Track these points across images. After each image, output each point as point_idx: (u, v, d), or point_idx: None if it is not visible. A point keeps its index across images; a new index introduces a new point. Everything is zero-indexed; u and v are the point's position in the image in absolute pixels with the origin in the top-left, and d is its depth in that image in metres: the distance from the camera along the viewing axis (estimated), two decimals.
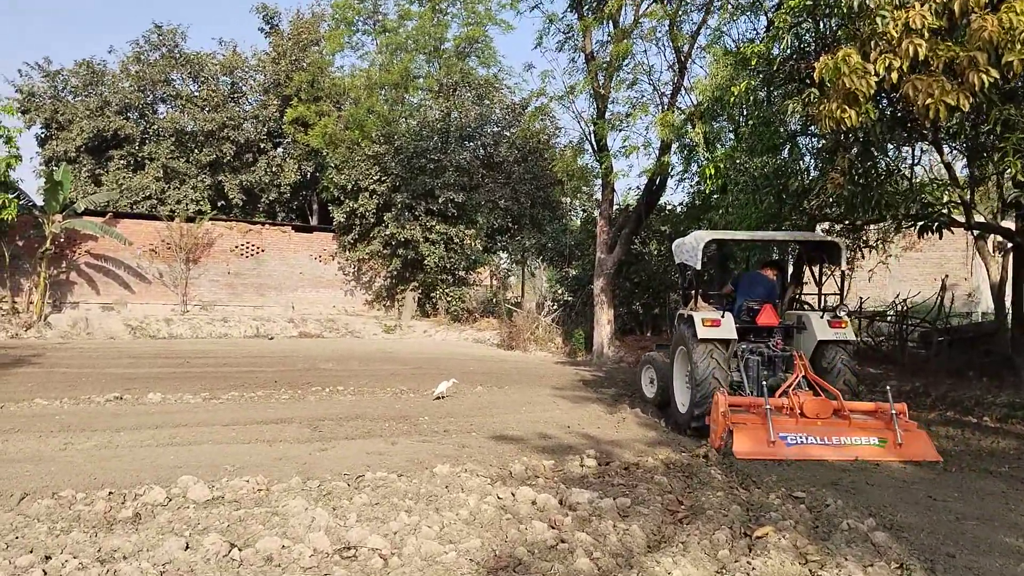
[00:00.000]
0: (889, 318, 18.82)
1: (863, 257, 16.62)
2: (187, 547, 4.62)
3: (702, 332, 9.01)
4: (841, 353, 9.33)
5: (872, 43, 7.91)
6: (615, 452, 8.00)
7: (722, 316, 9.23)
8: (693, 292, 9.95)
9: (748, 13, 15.46)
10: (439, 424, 9.46)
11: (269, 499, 5.78)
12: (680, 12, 16.49)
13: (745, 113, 12.71)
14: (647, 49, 25.16)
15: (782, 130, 11.63)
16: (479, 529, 5.21)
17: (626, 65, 17.36)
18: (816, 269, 10.75)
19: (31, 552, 4.46)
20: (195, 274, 26.56)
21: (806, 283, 12.35)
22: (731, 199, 11.77)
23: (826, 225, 13.66)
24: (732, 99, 10.63)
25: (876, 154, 10.12)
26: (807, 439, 8.03)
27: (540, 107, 23.46)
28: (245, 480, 6.17)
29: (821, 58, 8.06)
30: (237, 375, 13.97)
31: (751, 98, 10.78)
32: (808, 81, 9.73)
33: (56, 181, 22.85)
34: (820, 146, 11.29)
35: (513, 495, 5.98)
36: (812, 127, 11.39)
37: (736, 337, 9.29)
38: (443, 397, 11.57)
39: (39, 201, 23.29)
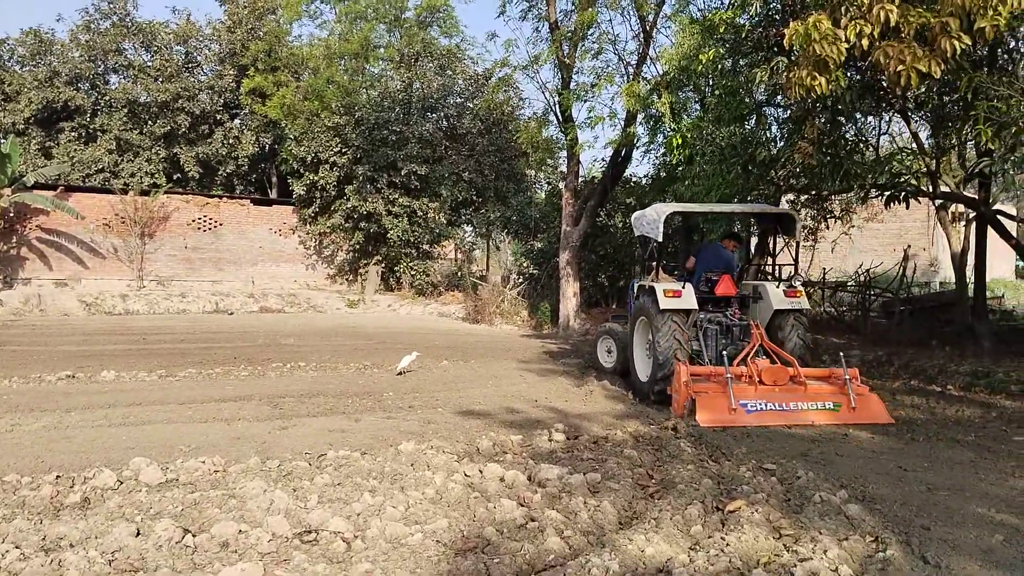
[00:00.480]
0: (851, 288, 18.99)
1: (827, 228, 16.69)
2: (138, 533, 4.38)
3: (664, 303, 9.13)
4: (796, 322, 9.56)
5: (843, 9, 7.78)
6: (583, 426, 7.89)
7: (683, 287, 9.37)
8: (654, 264, 10.04)
9: None
10: (404, 400, 9.27)
11: (226, 481, 5.55)
12: None
13: (711, 83, 12.57)
14: (612, 18, 24.74)
15: (748, 100, 11.51)
16: (446, 508, 5.05)
17: (591, 34, 17.13)
18: (771, 240, 10.92)
19: None
20: (151, 249, 25.87)
21: (770, 254, 12.48)
22: (698, 170, 11.65)
23: (792, 196, 13.63)
24: (699, 68, 10.46)
25: (845, 123, 10.04)
26: (766, 406, 8.26)
27: (504, 78, 23.15)
28: (201, 461, 5.93)
29: (791, 24, 7.91)
30: (195, 352, 13.60)
31: (718, 67, 10.62)
32: (776, 49, 9.61)
33: (3, 154, 22.02)
34: (787, 116, 11.18)
35: (481, 472, 5.83)
36: (780, 96, 11.32)
37: (697, 307, 9.46)
38: (406, 372, 11.36)
39: None
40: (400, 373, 11.32)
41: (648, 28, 16.71)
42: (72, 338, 15.47)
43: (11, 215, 23.39)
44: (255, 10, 30.07)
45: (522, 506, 5.10)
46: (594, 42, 17.04)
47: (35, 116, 26.70)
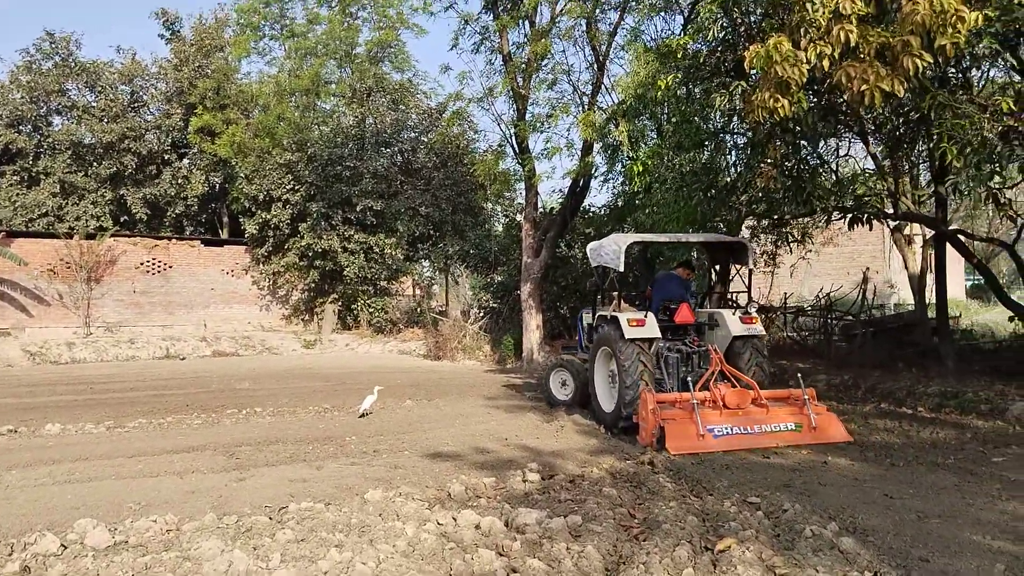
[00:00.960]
0: (812, 312, 19.10)
1: (790, 252, 16.77)
2: None
3: (629, 332, 9.18)
4: (753, 347, 9.75)
5: (802, 31, 7.79)
6: (558, 464, 7.60)
7: (645, 316, 9.46)
8: (614, 293, 10.16)
9: (664, 12, 15.44)
10: (368, 444, 8.87)
11: (180, 541, 5.12)
12: (597, 11, 16.31)
13: (668, 110, 12.56)
14: (565, 49, 25.07)
15: (706, 126, 11.51)
16: (420, 562, 4.71)
17: (545, 65, 17.12)
18: (723, 268, 11.43)
19: None
20: (98, 294, 24.97)
21: (725, 281, 12.64)
22: (658, 198, 11.57)
23: (752, 221, 13.64)
24: (657, 95, 10.41)
25: (807, 145, 10.05)
26: (732, 429, 8.32)
27: (458, 111, 23.01)
28: (152, 520, 5.49)
29: (751, 47, 7.89)
30: (145, 400, 13.00)
31: (675, 93, 10.58)
32: (734, 74, 9.62)
33: None
34: (746, 141, 11.18)
35: (455, 520, 5.49)
36: (737, 121, 11.34)
37: (660, 336, 9.57)
38: (368, 414, 10.94)
39: None
40: (362, 415, 10.91)
41: (601, 58, 16.78)
42: (15, 390, 14.70)
43: None
44: (202, 48, 29.63)
45: (502, 556, 4.78)
46: (548, 73, 17.06)
47: None
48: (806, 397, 8.63)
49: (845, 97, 8.23)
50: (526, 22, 17.68)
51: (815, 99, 9.68)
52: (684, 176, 11.01)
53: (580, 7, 15.67)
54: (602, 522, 5.46)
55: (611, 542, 5.06)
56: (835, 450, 8.19)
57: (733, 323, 9.77)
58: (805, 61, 7.54)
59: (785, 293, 20.17)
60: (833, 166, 11.31)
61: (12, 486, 6.73)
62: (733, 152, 12.28)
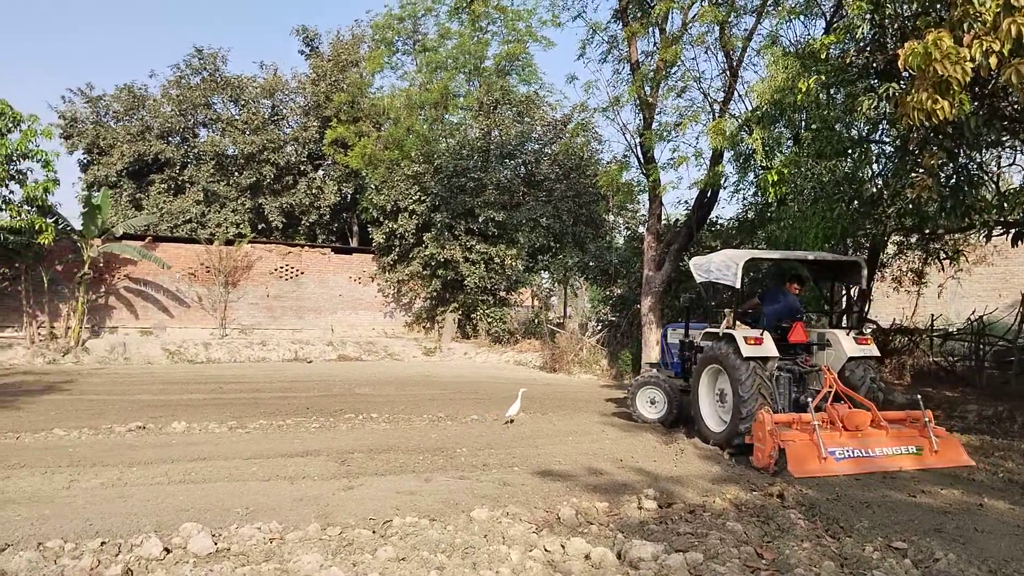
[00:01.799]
0: (961, 336, 17.52)
1: (941, 270, 15.43)
2: None
3: (747, 351, 9.06)
4: (868, 368, 9.60)
5: (965, 26, 6.99)
6: (676, 491, 7.07)
7: (762, 334, 9.30)
8: (726, 310, 10.11)
9: (803, 15, 14.55)
10: (478, 457, 8.62)
11: (281, 552, 5.00)
12: (731, 16, 15.60)
13: (807, 116, 11.75)
14: (696, 55, 24.10)
15: (850, 132, 10.66)
16: None
17: (674, 73, 16.54)
18: (832, 287, 11.40)
19: None
20: (234, 297, 26.22)
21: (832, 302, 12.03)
22: (795, 209, 10.79)
23: (899, 236, 12.57)
24: (797, 99, 9.69)
25: (967, 153, 9.08)
26: (853, 452, 8.08)
27: (582, 121, 22.72)
28: (256, 527, 5.42)
29: (907, 44, 7.13)
30: (269, 401, 13.33)
31: (817, 97, 9.82)
32: (884, 75, 8.84)
33: (94, 205, 22.71)
34: (896, 147, 10.26)
35: (563, 548, 5.12)
36: (885, 126, 10.46)
37: (777, 354, 9.37)
38: (512, 421, 11.11)
39: (78, 226, 23.15)
40: (508, 422, 11.09)
41: (735, 64, 16.03)
42: (151, 387, 15.46)
43: (100, 265, 24.06)
44: (339, 63, 30.71)
45: None
46: (678, 80, 16.47)
47: (127, 169, 27.70)
48: (927, 419, 8.41)
49: (1014, 99, 7.32)
50: (655, 29, 17.18)
51: (978, 102, 8.74)
52: (824, 186, 10.20)
53: (714, 12, 15.00)
54: (725, 561, 4.95)
55: None
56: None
57: (848, 344, 9.55)
58: (969, 59, 6.76)
59: (932, 315, 18.60)
60: (996, 176, 10.19)
61: (130, 484, 6.88)
62: (880, 160, 11.33)
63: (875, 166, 11.50)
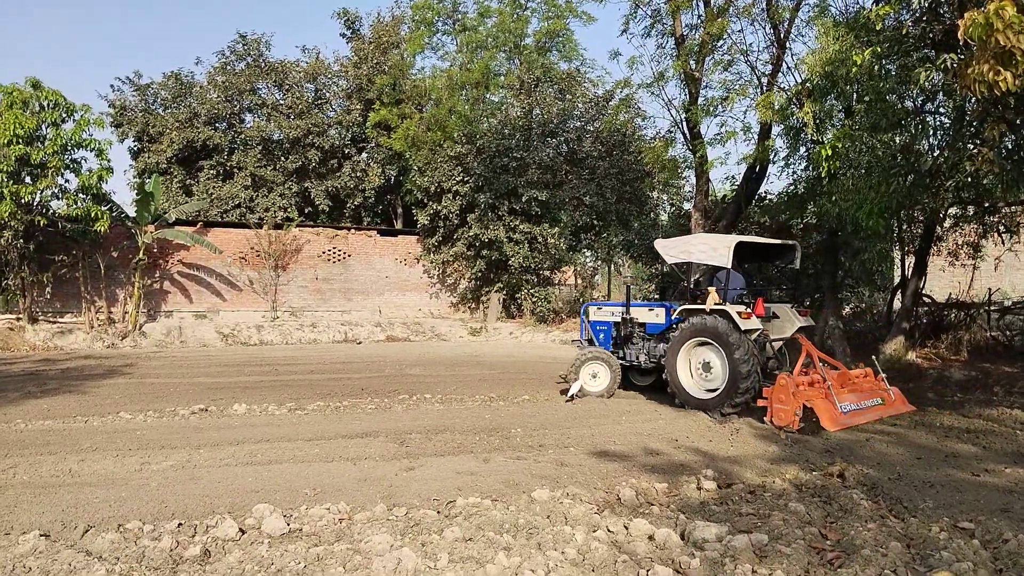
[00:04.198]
0: (1016, 309, 17.09)
1: (1003, 243, 15.04)
2: None
3: (743, 324, 10.12)
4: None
5: None
6: (735, 471, 7.07)
7: (750, 309, 10.33)
8: (711, 288, 10.81)
9: None
10: (533, 437, 8.71)
11: (351, 532, 5.14)
12: None
13: (860, 88, 11.49)
14: (743, 28, 23.68)
15: (907, 104, 10.41)
16: (591, 574, 4.43)
17: (720, 46, 16.30)
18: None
19: None
20: (284, 280, 26.70)
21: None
22: (849, 183, 10.58)
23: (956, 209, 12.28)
24: (853, 71, 9.48)
25: None
26: (851, 406, 9.20)
27: (626, 97, 22.51)
28: (325, 508, 5.58)
29: (967, 14, 6.93)
30: (324, 383, 13.60)
31: (875, 68, 9.59)
32: (941, 45, 8.60)
33: (147, 192, 23.26)
34: (953, 119, 10.00)
35: (626, 528, 5.17)
36: (941, 98, 10.20)
37: (762, 327, 10.44)
38: (576, 397, 11.49)
39: (132, 212, 23.74)
40: (571, 399, 11.47)
41: (783, 36, 15.72)
42: (208, 370, 15.87)
43: (154, 250, 24.67)
44: (380, 45, 30.82)
45: (679, 573, 4.42)
46: (724, 54, 16.22)
47: (177, 155, 28.25)
48: (883, 375, 10.21)
49: None
50: (700, 2, 16.94)
51: None
52: (879, 159, 9.98)
53: None
54: (790, 542, 4.95)
55: (802, 566, 4.56)
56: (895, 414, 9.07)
57: (795, 316, 10.99)
58: None
59: (989, 289, 18.16)
60: None
61: (199, 465, 7.11)
62: (936, 132, 11.05)
63: (931, 138, 11.20)
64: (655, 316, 11.96)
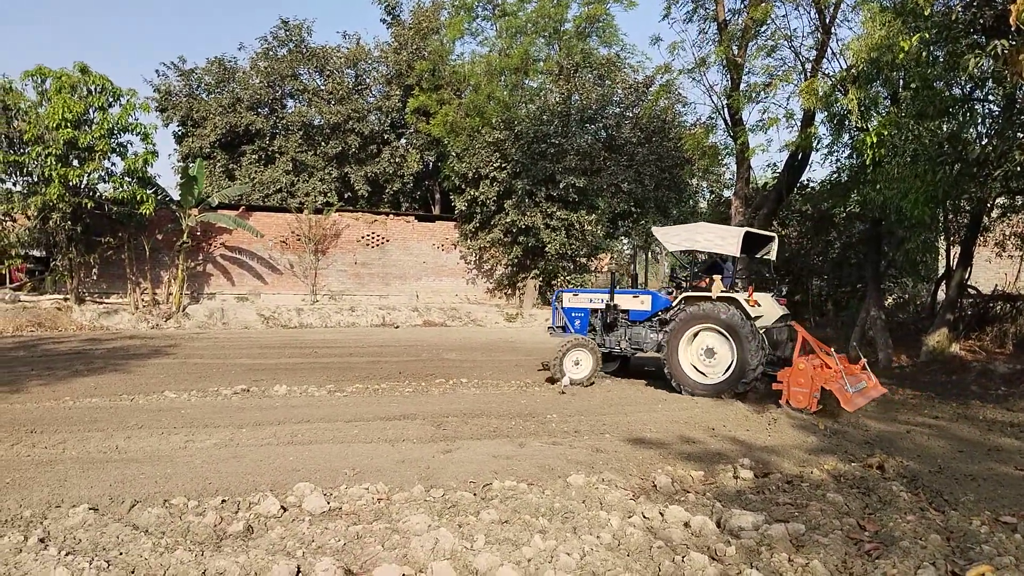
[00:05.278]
0: None
1: None
2: (299, 571, 4.10)
3: (753, 312, 10.61)
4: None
5: None
6: (772, 461, 7.04)
7: (753, 299, 10.73)
8: (715, 276, 11.22)
9: None
10: (568, 423, 8.75)
11: (389, 512, 5.24)
12: None
13: (906, 74, 11.26)
14: (787, 13, 23.14)
15: (955, 91, 10.18)
16: (626, 559, 4.46)
17: (763, 31, 16.06)
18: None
19: (132, 573, 4.07)
20: (323, 264, 27.02)
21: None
22: (896, 172, 10.39)
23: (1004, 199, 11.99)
24: (899, 57, 9.28)
25: None
26: (852, 388, 9.42)
27: (666, 84, 22.30)
28: (364, 488, 5.69)
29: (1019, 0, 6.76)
30: (362, 366, 13.78)
31: (922, 54, 9.39)
32: (992, 31, 8.39)
33: (191, 176, 23.67)
34: (1004, 106, 9.75)
35: (662, 515, 5.20)
36: (991, 85, 9.95)
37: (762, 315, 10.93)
38: (569, 385, 11.08)
39: (176, 196, 24.20)
40: (563, 391, 10.94)
41: (828, 21, 15.43)
42: (249, 351, 16.16)
43: (198, 234, 25.13)
44: (420, 31, 30.88)
45: (715, 560, 4.43)
46: (767, 39, 15.96)
47: (220, 140, 28.69)
48: (865, 361, 10.54)
49: None
50: None
51: None
52: (926, 148, 9.79)
53: None
54: (828, 532, 4.94)
55: (840, 557, 4.54)
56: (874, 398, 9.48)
57: (776, 305, 11.30)
58: None
59: None
60: None
61: (242, 444, 7.27)
62: (985, 121, 10.79)
63: (980, 127, 10.95)
64: (640, 303, 12.23)
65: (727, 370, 10.64)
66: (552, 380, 11.78)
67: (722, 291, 10.88)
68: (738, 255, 11.05)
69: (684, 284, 12.35)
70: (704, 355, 10.87)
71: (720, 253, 11.40)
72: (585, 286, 26.75)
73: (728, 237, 11.02)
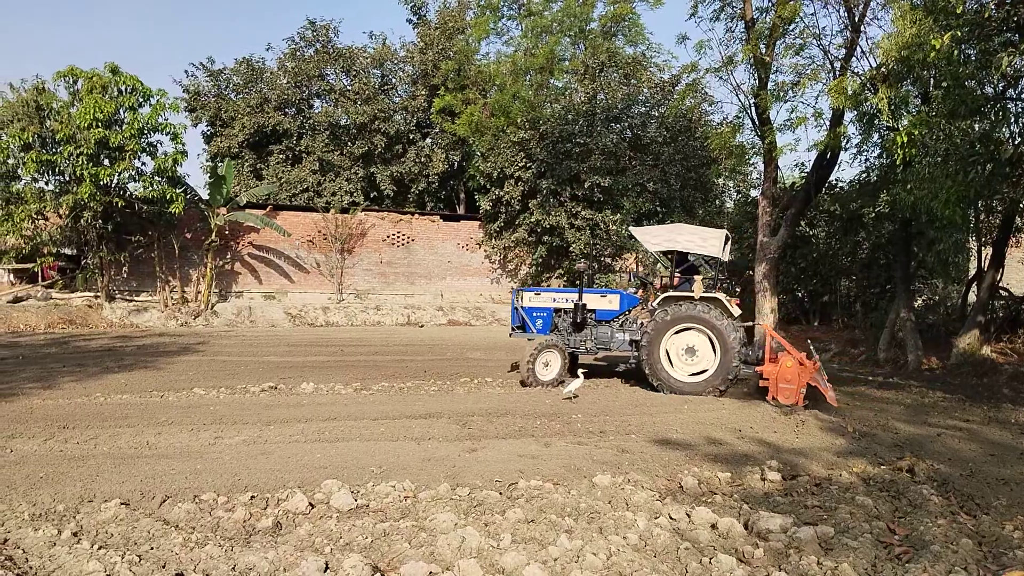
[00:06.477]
0: None
1: None
2: (326, 568, 4.15)
3: (735, 311, 11.14)
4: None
5: None
6: (800, 463, 6.98)
7: (733, 298, 11.33)
8: (696, 277, 11.52)
9: None
10: (594, 423, 8.74)
11: (416, 509, 5.27)
12: None
13: (937, 73, 11.10)
14: (816, 11, 22.89)
15: (988, 90, 10.02)
16: (653, 560, 4.45)
17: (792, 30, 15.84)
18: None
19: (163, 568, 4.13)
20: (349, 263, 27.20)
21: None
22: (926, 171, 10.25)
23: None
24: (930, 55, 9.16)
25: None
26: (825, 384, 9.83)
27: (692, 83, 22.15)
28: (391, 485, 5.73)
29: None
30: (388, 364, 13.87)
31: (954, 52, 9.25)
32: None
33: (220, 176, 23.93)
34: None
35: (688, 516, 5.18)
36: (1023, 84, 9.79)
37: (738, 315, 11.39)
38: (574, 397, 10.46)
39: (205, 195, 24.48)
40: (568, 397, 10.41)
41: (857, 19, 15.24)
42: (277, 349, 16.32)
43: (226, 233, 25.40)
44: (445, 31, 30.97)
45: (743, 562, 4.42)
46: (796, 38, 15.76)
47: (248, 140, 28.97)
48: (820, 362, 10.37)
49: None
50: None
51: None
52: (958, 147, 9.64)
53: None
54: (857, 536, 4.89)
55: (869, 560, 4.50)
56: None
57: (732, 305, 11.33)
58: None
59: None
60: None
61: (270, 441, 7.35)
62: (1018, 120, 10.62)
63: (1013, 126, 10.78)
64: (608, 303, 12.37)
65: (709, 368, 11.00)
66: (524, 384, 11.55)
67: (703, 291, 11.21)
68: (720, 256, 11.36)
69: (649, 284, 12.75)
70: (685, 354, 11.14)
71: (700, 254, 11.69)
72: (610, 286, 26.69)
73: (709, 238, 11.35)
